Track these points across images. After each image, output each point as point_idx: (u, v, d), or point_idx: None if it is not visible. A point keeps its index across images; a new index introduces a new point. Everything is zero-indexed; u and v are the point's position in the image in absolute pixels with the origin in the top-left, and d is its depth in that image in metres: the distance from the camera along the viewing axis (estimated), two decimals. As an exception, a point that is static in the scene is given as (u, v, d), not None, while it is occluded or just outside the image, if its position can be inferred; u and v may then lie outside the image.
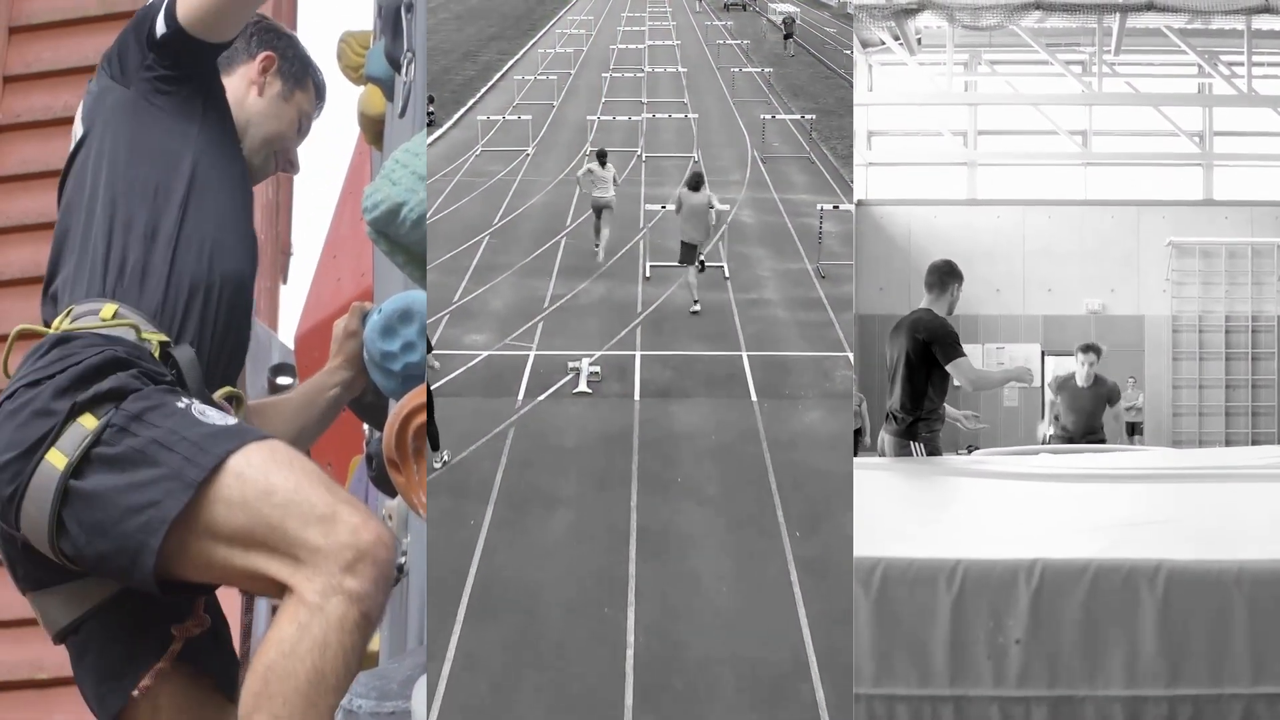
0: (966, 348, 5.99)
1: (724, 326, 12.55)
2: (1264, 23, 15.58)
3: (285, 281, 10.30)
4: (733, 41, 39.67)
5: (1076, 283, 16.49)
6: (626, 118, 23.87)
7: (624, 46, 39.00)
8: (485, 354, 11.29)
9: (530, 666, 6.30)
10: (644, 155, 21.42)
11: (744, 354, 11.58)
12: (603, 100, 27.81)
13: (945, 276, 6.07)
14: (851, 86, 25.65)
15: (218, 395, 2.71)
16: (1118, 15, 15.59)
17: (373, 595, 2.28)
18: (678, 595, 7.08)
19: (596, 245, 15.07)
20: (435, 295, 12.65)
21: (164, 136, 2.77)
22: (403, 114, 3.51)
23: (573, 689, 6.13)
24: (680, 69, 33.52)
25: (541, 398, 10.32)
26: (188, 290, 2.71)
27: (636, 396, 10.43)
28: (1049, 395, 8.74)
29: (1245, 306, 16.45)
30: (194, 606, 2.68)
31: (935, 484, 4.83)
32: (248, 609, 7.23)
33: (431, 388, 9.27)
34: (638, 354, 11.54)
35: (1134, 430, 15.31)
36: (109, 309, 2.61)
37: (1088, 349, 8.35)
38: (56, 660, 5.87)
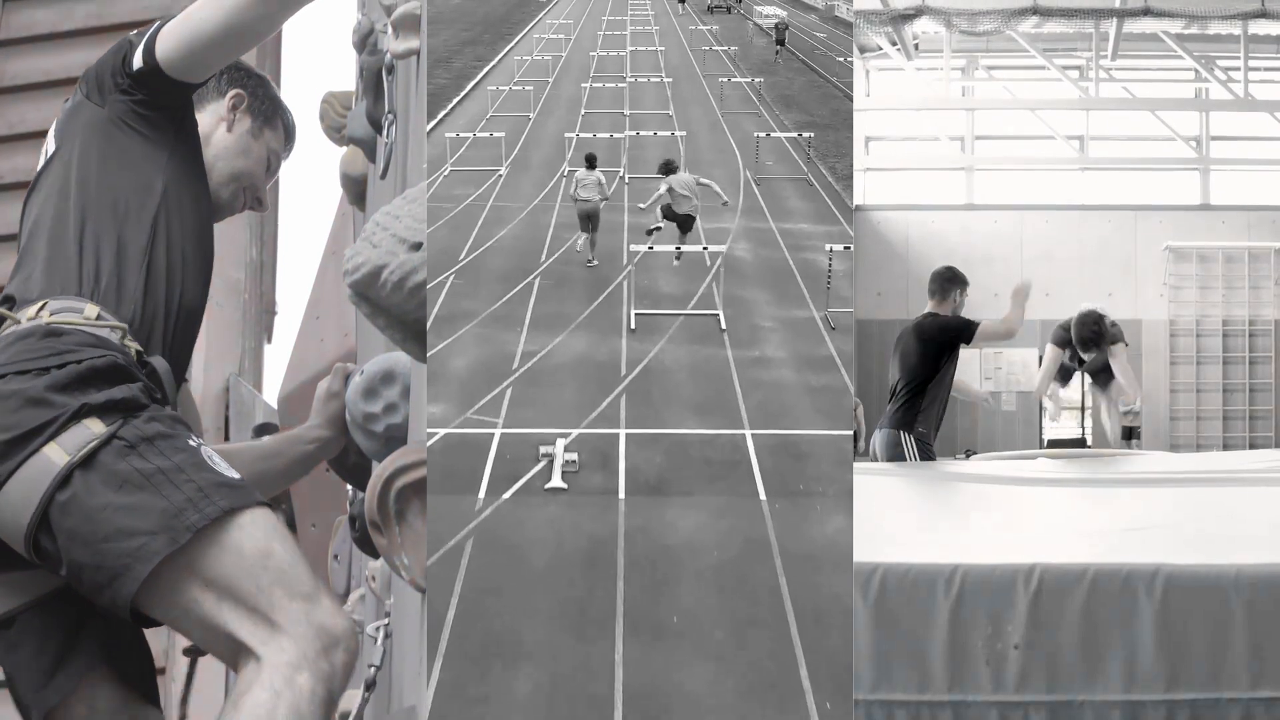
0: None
1: (722, 394, 10.64)
2: (1260, 28, 15.62)
3: (270, 341, 9.93)
4: (719, 47, 38.07)
5: (1074, 287, 16.49)
6: (608, 135, 21.26)
7: (605, 53, 37.09)
8: (443, 432, 9.58)
9: None
10: (627, 177, 19.61)
11: (748, 433, 9.74)
12: (582, 113, 26.23)
13: (947, 283, 6.11)
14: (849, 99, 25.07)
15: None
16: (1114, 20, 15.64)
17: (339, 681, 2.31)
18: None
19: (581, 252, 14.81)
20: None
21: (137, 159, 2.79)
22: (384, 175, 3.52)
23: None
24: (665, 78, 31.77)
25: (506, 495, 8.45)
26: (158, 309, 2.73)
27: (621, 494, 8.57)
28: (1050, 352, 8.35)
29: (1242, 311, 16.47)
30: None
31: (934, 489, 4.83)
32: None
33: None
34: (622, 433, 9.69)
35: (1131, 434, 15.31)
36: (92, 309, 2.61)
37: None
38: None
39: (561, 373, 11.14)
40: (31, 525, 2.33)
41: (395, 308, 2.34)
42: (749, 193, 19.15)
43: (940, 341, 5.98)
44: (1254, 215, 16.61)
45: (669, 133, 22.35)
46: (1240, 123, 17.10)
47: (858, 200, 17.09)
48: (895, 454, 6.08)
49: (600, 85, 30.05)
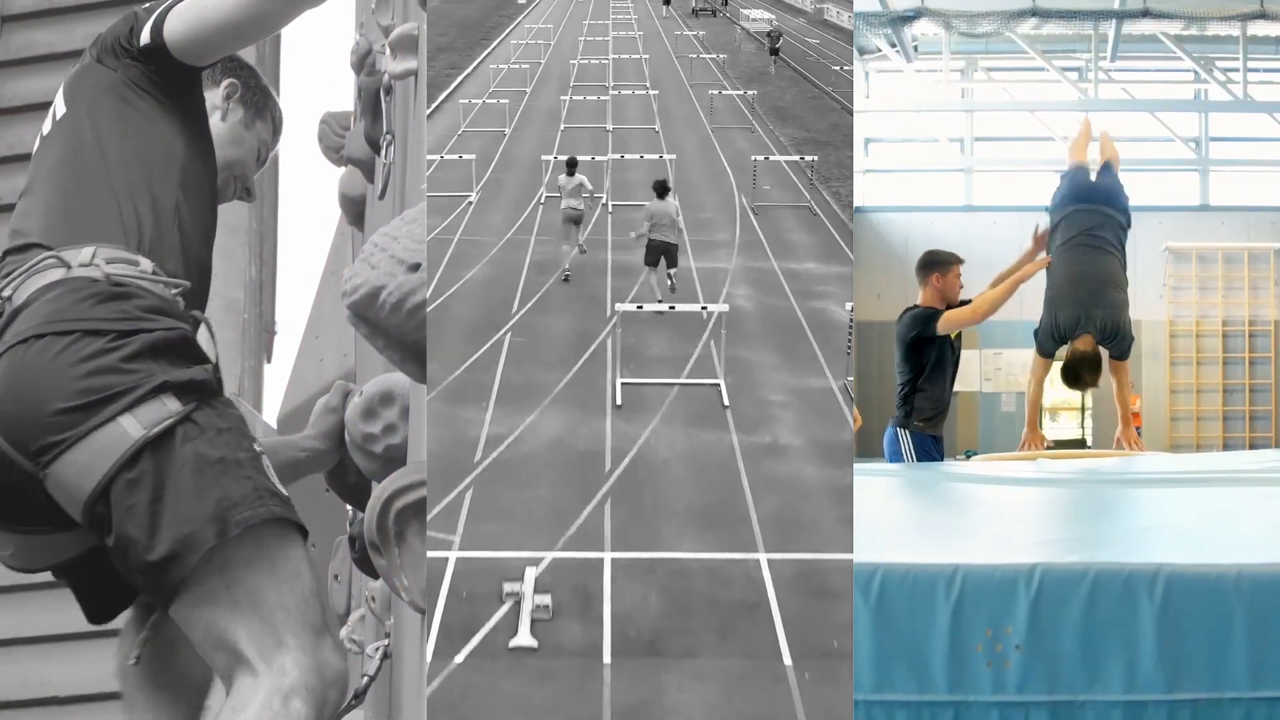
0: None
1: (729, 498, 8.89)
2: (1259, 29, 15.64)
3: (269, 360, 9.92)
4: (707, 55, 36.03)
5: (1074, 288, 16.51)
6: (589, 157, 18.89)
7: (586, 60, 35.26)
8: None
9: None
10: (610, 205, 18.21)
11: (762, 557, 8.00)
12: (561, 129, 24.56)
13: (922, 270, 6.13)
14: (849, 112, 24.34)
15: None
16: (1114, 22, 15.65)
17: (329, 718, 2.31)
18: None
19: (567, 270, 14.51)
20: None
21: (155, 118, 2.79)
22: (382, 195, 3.52)
23: None
24: (650, 90, 29.65)
25: (459, 659, 6.79)
26: (190, 272, 2.72)
27: (606, 658, 6.86)
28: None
29: (1241, 311, 16.48)
30: None
31: (934, 489, 4.83)
32: None
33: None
34: (607, 558, 7.97)
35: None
36: (146, 262, 2.59)
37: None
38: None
39: (533, 463, 9.41)
40: (95, 493, 2.31)
41: (394, 329, 2.34)
42: (746, 225, 17.70)
43: (910, 335, 5.95)
44: (1253, 216, 16.62)
45: (656, 155, 20.50)
46: (1239, 123, 17.11)
47: (858, 201, 17.08)
48: (894, 450, 6.08)
49: (581, 98, 28.32)
